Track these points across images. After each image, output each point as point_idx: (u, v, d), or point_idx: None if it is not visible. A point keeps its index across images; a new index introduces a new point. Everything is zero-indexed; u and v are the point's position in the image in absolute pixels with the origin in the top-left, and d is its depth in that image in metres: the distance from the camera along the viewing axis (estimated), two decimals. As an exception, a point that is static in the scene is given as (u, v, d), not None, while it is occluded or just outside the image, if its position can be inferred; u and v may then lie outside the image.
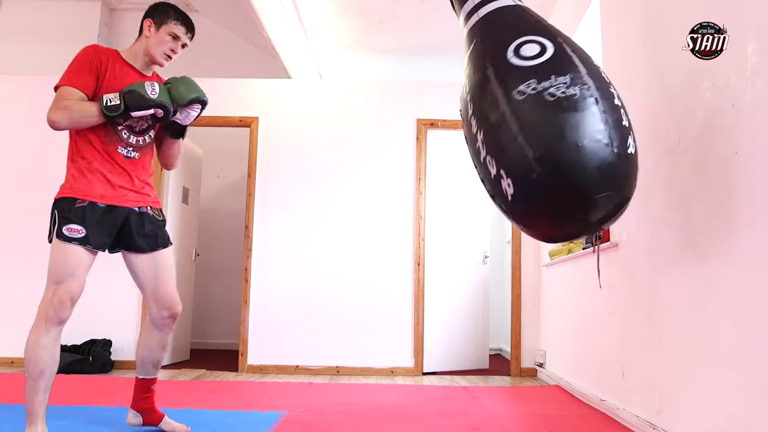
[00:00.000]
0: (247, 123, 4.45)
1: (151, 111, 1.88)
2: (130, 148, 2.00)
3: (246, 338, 4.19)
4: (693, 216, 1.92)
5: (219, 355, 5.01)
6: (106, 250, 2.00)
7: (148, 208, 2.05)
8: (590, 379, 3.00)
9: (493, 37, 1.66)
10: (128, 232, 1.99)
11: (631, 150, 1.44)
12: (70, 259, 1.84)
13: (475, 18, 1.77)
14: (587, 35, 3.36)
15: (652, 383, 2.20)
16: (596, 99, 1.40)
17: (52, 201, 1.93)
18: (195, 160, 5.06)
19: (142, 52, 2.04)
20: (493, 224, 5.51)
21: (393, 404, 2.88)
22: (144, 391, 2.10)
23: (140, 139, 2.03)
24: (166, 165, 2.21)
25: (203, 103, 2.00)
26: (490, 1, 1.74)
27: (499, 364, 4.89)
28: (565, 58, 1.46)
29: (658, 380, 2.16)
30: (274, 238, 4.31)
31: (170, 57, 2.05)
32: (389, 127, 4.44)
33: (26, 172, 4.34)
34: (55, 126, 1.85)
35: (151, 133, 2.07)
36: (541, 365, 4.04)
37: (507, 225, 5.15)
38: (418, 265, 4.27)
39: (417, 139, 4.40)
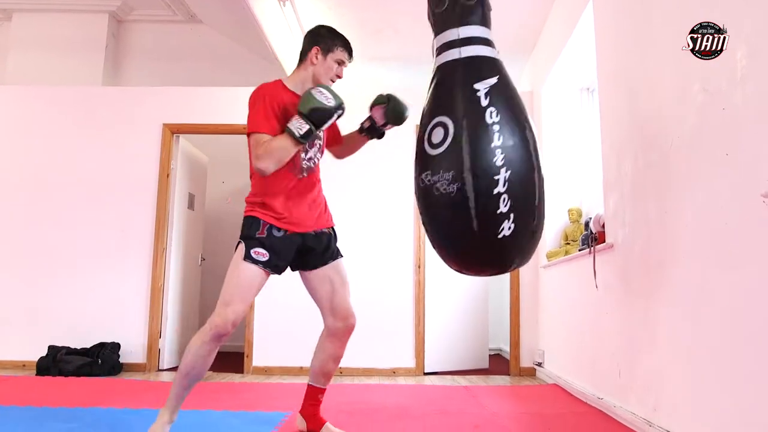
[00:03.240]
0: (250, 129, 4.51)
1: (335, 118, 1.90)
2: (305, 164, 2.07)
3: (251, 340, 4.26)
4: (685, 217, 1.96)
5: (225, 357, 5.01)
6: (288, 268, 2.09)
7: (323, 230, 2.12)
8: (588, 377, 3.05)
9: (429, 102, 1.92)
10: (305, 253, 2.07)
11: (504, 233, 1.71)
12: (247, 281, 1.95)
13: (436, 61, 1.94)
14: (582, 41, 3.42)
15: (648, 381, 2.24)
16: (470, 196, 1.70)
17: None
18: (200, 167, 5.13)
19: (310, 80, 2.07)
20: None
21: (395, 404, 2.93)
22: (311, 398, 2.18)
23: (312, 158, 2.10)
24: (341, 156, 2.39)
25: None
26: (445, 51, 1.89)
27: (498, 363, 4.94)
28: (456, 148, 1.73)
29: (653, 378, 2.20)
30: (277, 242, 4.37)
31: (334, 81, 2.11)
32: (390, 132, 4.50)
33: (38, 181, 4.43)
34: (266, 173, 1.89)
35: (320, 145, 2.14)
36: (539, 365, 4.09)
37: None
38: (419, 267, 4.33)
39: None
